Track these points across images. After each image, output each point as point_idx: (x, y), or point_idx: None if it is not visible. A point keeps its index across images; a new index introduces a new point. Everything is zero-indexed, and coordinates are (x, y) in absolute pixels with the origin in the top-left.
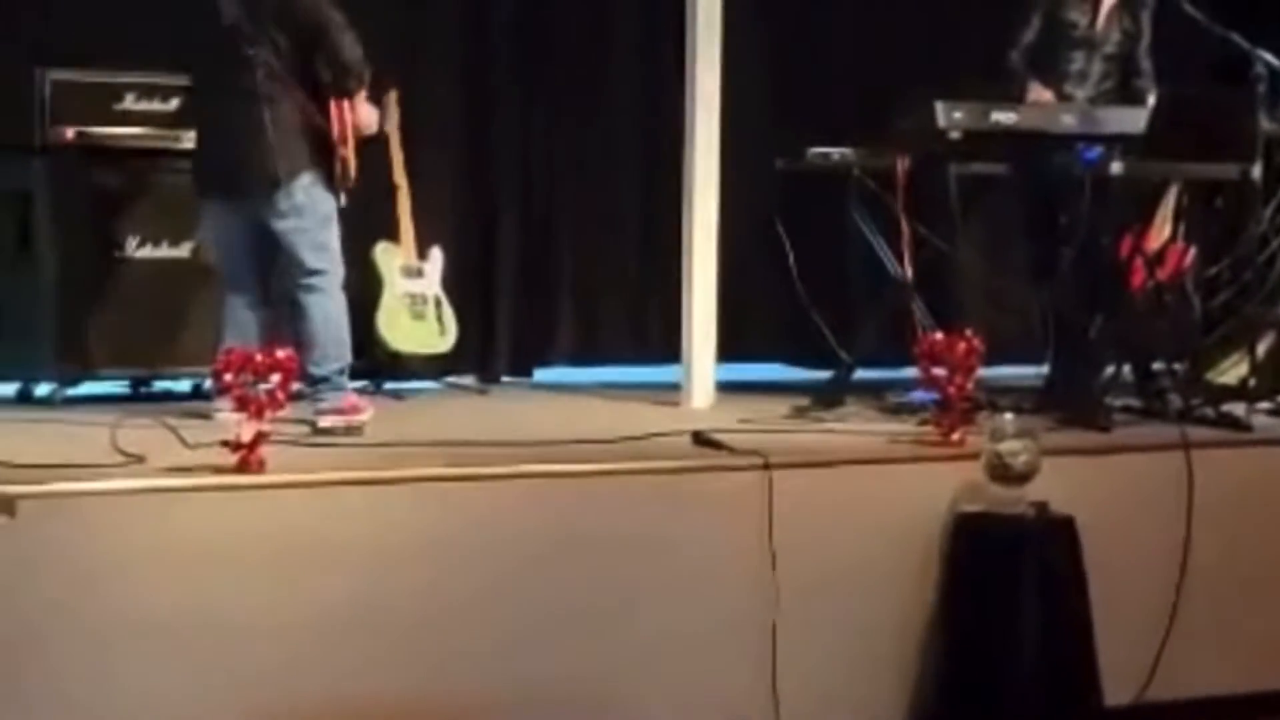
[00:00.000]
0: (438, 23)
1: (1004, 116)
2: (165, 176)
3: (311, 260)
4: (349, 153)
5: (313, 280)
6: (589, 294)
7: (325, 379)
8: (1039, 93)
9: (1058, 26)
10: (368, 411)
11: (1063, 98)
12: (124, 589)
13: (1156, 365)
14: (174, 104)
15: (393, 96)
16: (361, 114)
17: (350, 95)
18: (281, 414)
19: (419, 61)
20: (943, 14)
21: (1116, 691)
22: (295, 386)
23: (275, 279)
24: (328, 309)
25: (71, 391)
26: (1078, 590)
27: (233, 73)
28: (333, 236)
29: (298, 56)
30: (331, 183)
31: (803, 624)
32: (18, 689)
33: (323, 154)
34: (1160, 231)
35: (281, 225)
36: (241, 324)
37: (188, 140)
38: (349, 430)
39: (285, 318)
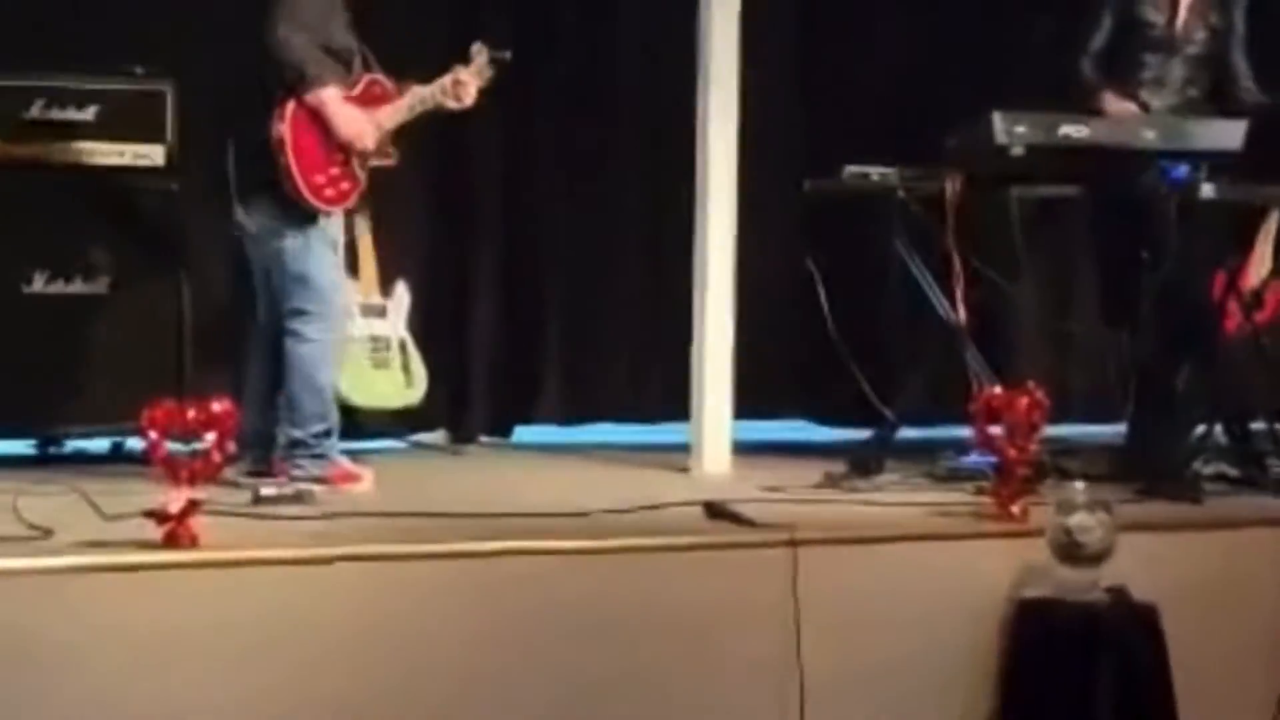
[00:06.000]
0: (415, 27)
1: (1075, 130)
2: (80, 199)
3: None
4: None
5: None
6: (581, 339)
7: (302, 443)
8: (1116, 104)
9: (1132, 27)
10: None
11: (1139, 107)
12: (27, 682)
13: (1255, 425)
14: (92, 112)
15: None
16: (340, 124)
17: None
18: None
19: (387, 65)
20: (1002, 12)
21: None
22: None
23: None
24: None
25: None
26: (1161, 690)
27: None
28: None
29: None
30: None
31: None
32: None
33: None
34: (1259, 266)
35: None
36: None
37: (109, 155)
38: (296, 498)
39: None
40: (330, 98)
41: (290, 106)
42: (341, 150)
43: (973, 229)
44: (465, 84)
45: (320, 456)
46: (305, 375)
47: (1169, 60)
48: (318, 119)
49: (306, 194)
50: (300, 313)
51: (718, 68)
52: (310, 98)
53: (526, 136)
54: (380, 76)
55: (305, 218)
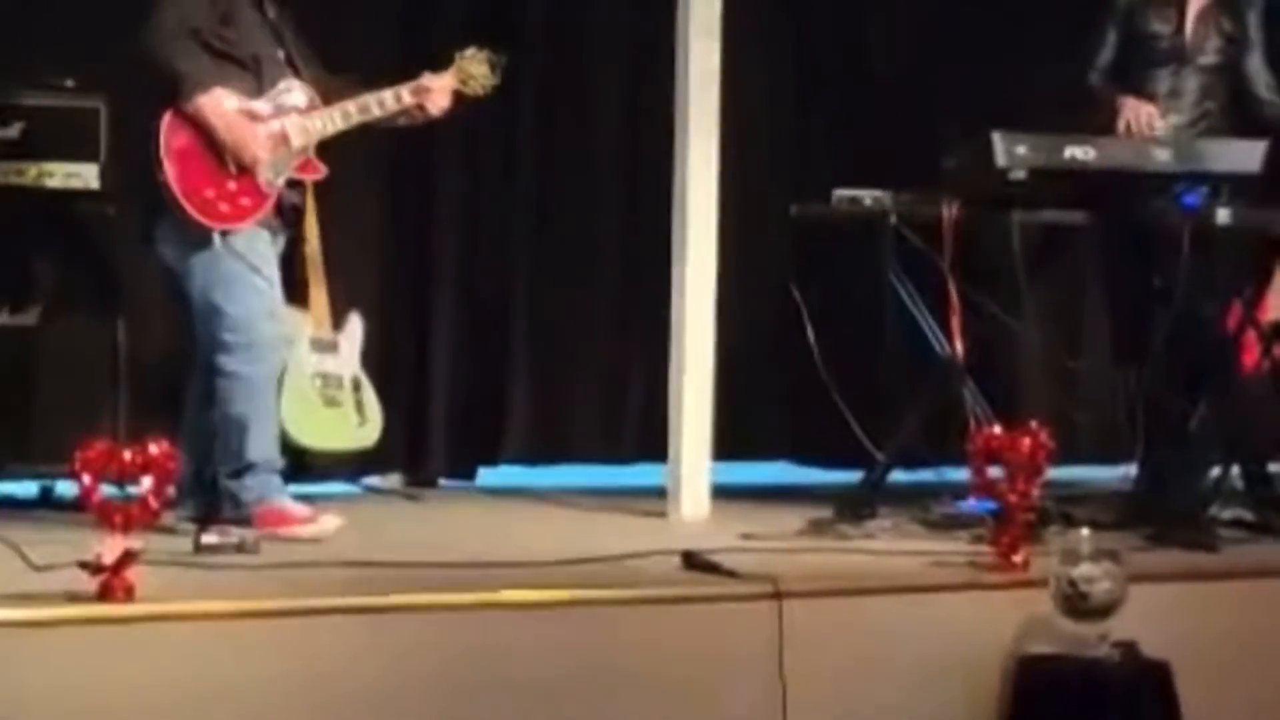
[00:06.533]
0: (371, 32)
1: (1080, 152)
2: (6, 224)
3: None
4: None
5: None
6: (549, 373)
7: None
8: (1135, 109)
9: (1138, 39)
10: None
11: None
12: None
13: (1274, 467)
14: (17, 129)
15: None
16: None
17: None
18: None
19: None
20: (1002, 25)
21: None
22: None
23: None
24: None
25: None
26: None
27: None
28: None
29: None
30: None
31: None
32: None
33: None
34: (1279, 298)
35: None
36: None
37: (38, 176)
38: (240, 547)
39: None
40: (207, 104)
41: (167, 116)
42: (236, 162)
43: (971, 257)
44: (431, 92)
45: (233, 497)
46: (223, 412)
47: (1181, 71)
48: (203, 129)
49: (191, 210)
50: (220, 344)
51: (697, 85)
52: (187, 105)
53: (492, 157)
54: (300, 84)
55: (206, 239)
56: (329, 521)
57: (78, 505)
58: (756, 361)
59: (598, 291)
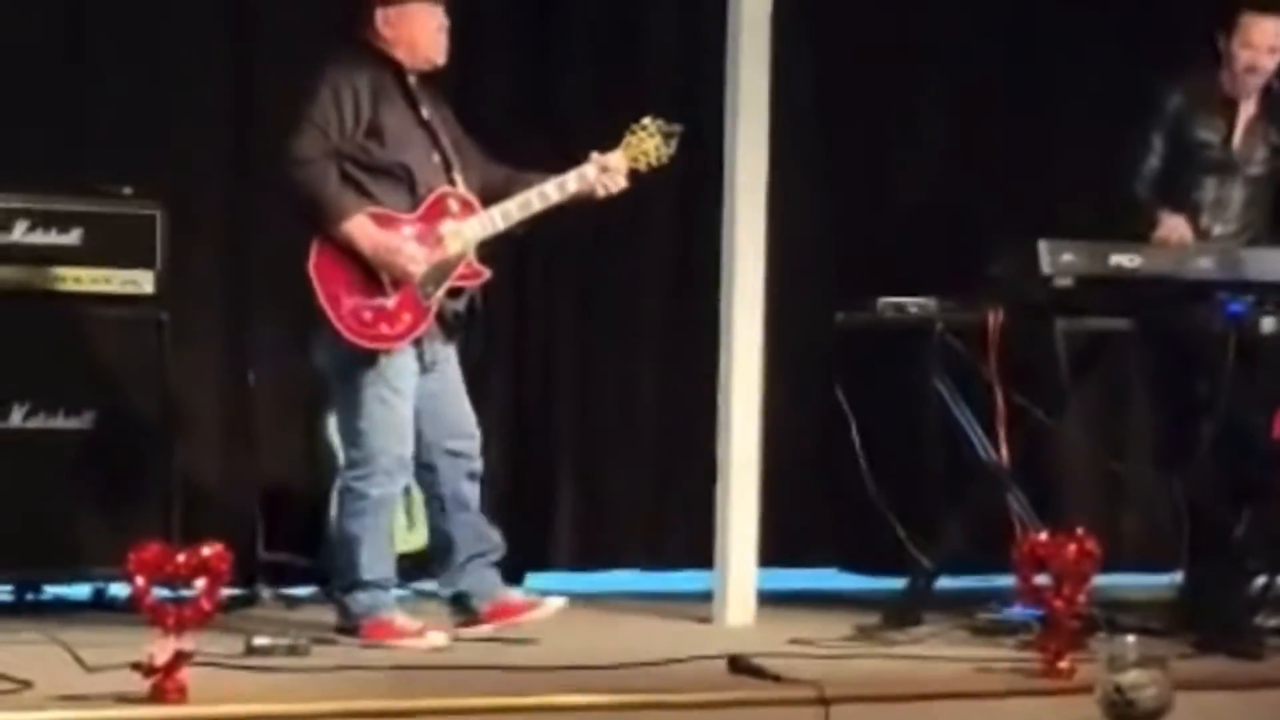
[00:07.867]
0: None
1: (1126, 259)
2: (63, 328)
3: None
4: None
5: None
6: (596, 479)
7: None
8: (1174, 226)
9: (1186, 148)
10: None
11: (1197, 233)
12: None
13: None
14: (77, 235)
15: None
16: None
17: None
18: None
19: None
20: (1047, 134)
21: None
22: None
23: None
24: None
25: None
26: None
27: None
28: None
29: None
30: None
31: None
32: None
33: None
34: None
35: None
36: None
37: (95, 281)
38: (292, 650)
39: None
40: (351, 228)
41: (315, 245)
42: (391, 279)
43: (1016, 364)
44: (602, 175)
45: (343, 607)
46: (340, 525)
47: (1228, 181)
48: (353, 251)
49: (347, 334)
50: (348, 459)
51: (744, 192)
52: (333, 231)
53: (537, 266)
54: (453, 189)
55: (359, 358)
56: (435, 638)
57: (131, 606)
58: (802, 468)
59: (644, 398)
